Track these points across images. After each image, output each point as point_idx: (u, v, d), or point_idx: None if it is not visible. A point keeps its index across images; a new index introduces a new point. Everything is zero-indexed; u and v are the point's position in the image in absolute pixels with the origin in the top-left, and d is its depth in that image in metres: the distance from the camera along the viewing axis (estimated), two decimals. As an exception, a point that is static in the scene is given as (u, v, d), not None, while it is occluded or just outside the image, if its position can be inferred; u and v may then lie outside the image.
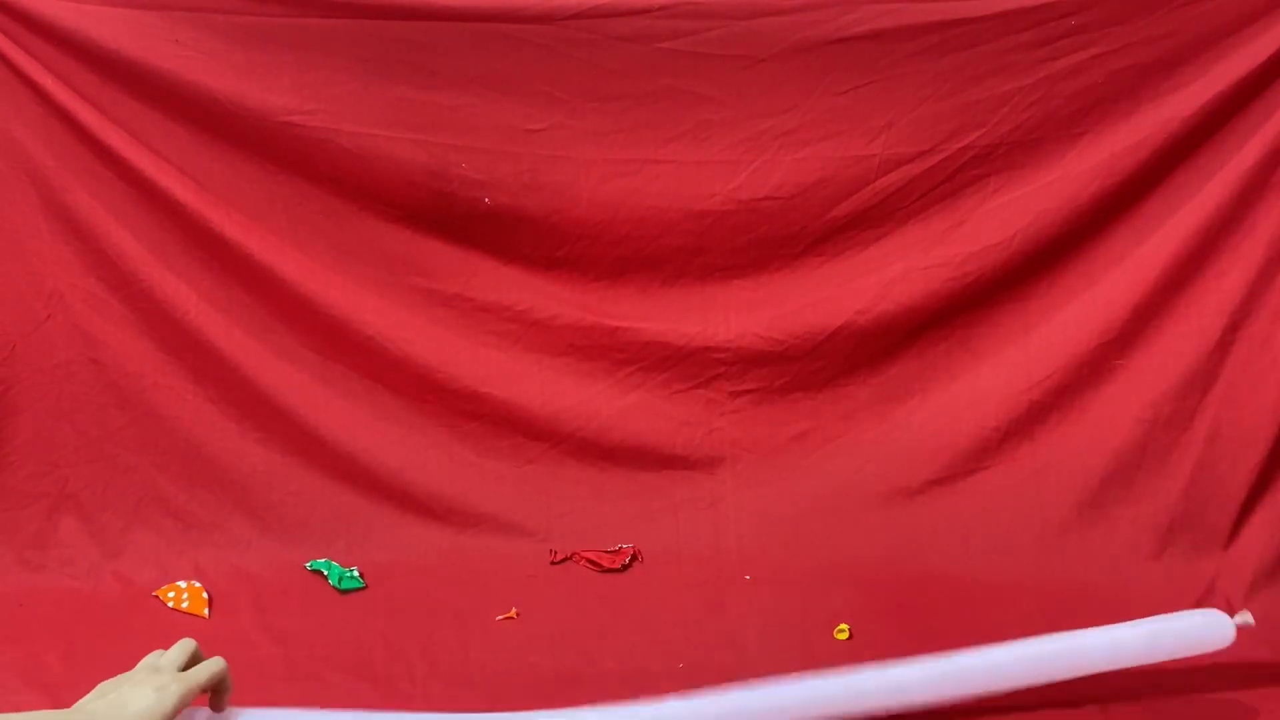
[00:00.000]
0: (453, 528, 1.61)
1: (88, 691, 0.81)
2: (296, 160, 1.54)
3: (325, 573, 1.51)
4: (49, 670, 1.29)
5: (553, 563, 1.58)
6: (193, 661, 0.86)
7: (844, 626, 1.40)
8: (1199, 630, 0.95)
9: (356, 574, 1.51)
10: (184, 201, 1.53)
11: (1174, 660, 1.32)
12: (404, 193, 1.56)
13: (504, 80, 1.50)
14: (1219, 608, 1.43)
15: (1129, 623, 0.96)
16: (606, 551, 1.59)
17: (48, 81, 1.48)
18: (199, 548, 1.56)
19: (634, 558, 1.59)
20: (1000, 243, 1.54)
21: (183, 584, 1.48)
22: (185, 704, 0.79)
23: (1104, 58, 1.46)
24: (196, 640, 0.89)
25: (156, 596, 1.47)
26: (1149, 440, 1.53)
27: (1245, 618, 1.08)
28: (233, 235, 1.55)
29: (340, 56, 1.48)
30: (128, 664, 0.86)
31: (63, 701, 1.24)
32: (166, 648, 0.88)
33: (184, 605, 1.44)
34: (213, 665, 0.85)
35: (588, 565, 1.57)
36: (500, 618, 1.44)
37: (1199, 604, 1.44)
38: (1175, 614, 1.01)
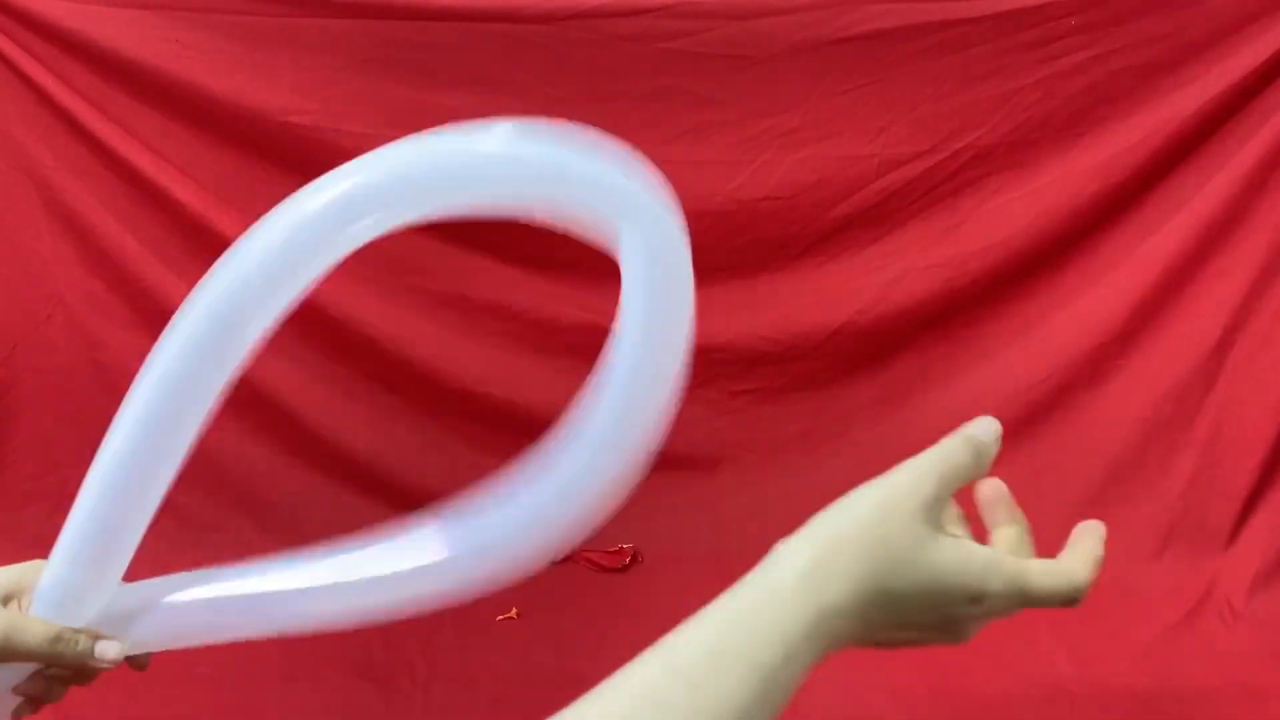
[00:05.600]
0: (453, 528, 1.61)
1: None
2: (296, 160, 1.54)
3: (325, 573, 1.51)
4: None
5: (553, 562, 1.58)
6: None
7: (844, 626, 1.40)
8: None
9: (356, 574, 1.51)
10: (184, 201, 1.53)
11: (1173, 661, 1.32)
12: (404, 193, 1.56)
13: (504, 80, 1.50)
14: (1219, 608, 1.44)
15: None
16: (606, 551, 1.59)
17: (48, 81, 1.48)
18: (199, 547, 1.56)
19: (634, 558, 1.59)
20: (1000, 243, 1.54)
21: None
22: None
23: (1104, 58, 1.46)
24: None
25: (156, 596, 1.47)
26: (1149, 440, 1.53)
27: None
28: (233, 235, 1.53)
29: (340, 56, 1.48)
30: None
31: (67, 711, 1.24)
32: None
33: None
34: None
35: (588, 565, 1.57)
36: (500, 618, 1.44)
37: (1199, 604, 1.45)
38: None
